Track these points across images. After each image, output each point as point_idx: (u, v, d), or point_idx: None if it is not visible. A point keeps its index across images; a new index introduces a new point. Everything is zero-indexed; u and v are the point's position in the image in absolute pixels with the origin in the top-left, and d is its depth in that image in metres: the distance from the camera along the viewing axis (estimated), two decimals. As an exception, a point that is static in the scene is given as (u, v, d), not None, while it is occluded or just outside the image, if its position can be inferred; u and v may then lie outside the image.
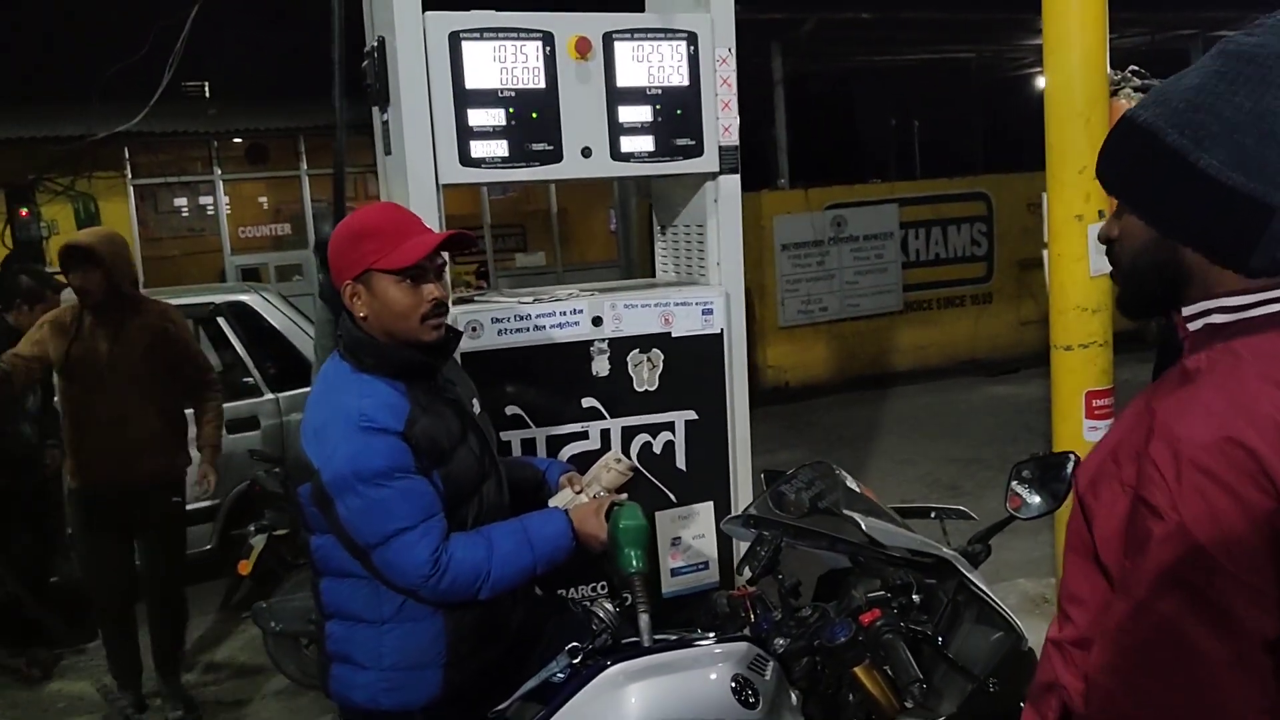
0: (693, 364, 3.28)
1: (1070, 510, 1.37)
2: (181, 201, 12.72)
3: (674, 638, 2.13)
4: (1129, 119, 1.29)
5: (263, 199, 13.42)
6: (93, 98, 10.03)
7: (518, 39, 2.98)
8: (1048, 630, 1.40)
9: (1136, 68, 3.90)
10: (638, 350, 3.22)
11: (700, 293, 3.32)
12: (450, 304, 3.04)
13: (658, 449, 3.28)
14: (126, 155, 10.76)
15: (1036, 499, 2.26)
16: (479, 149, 2.99)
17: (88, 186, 10.62)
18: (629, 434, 3.23)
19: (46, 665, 4.65)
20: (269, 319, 5.60)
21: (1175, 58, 12.09)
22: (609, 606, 2.06)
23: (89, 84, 10.53)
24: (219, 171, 11.69)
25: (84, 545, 4.12)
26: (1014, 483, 2.30)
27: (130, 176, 10.94)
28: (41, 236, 10.44)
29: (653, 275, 3.93)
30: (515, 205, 12.99)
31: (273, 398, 5.45)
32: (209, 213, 12.29)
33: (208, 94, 12.87)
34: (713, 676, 2.01)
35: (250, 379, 5.53)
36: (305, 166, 11.79)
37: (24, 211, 10.35)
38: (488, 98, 2.97)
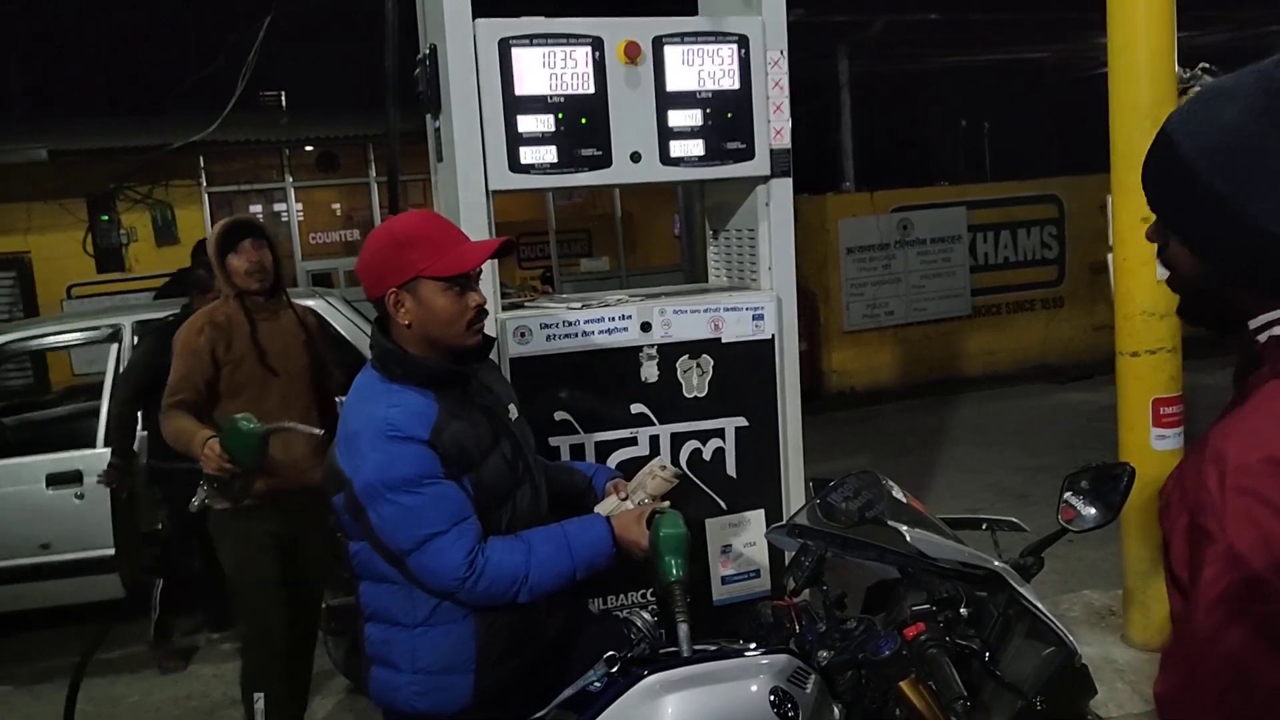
0: (743, 370, 3.25)
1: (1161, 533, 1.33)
2: (255, 208, 13.01)
3: (713, 648, 2.11)
4: (1167, 139, 1.22)
5: (335, 205, 13.68)
6: (170, 109, 10.35)
7: (567, 44, 2.99)
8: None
9: (1207, 65, 3.77)
10: (687, 356, 3.20)
11: (751, 298, 3.29)
12: (499, 305, 3.07)
13: (708, 456, 3.25)
14: (202, 163, 11.04)
15: (1091, 511, 2.19)
16: (528, 155, 2.99)
17: (165, 194, 10.92)
18: (678, 440, 3.21)
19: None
20: (334, 325, 5.69)
21: (1260, 54, 11.63)
22: (646, 616, 2.04)
23: (167, 96, 10.87)
24: (290, 179, 11.94)
25: (254, 572, 3.52)
26: (1068, 494, 2.24)
27: (205, 184, 11.22)
28: (121, 243, 10.76)
29: (708, 280, 3.91)
30: (581, 210, 13.05)
31: (338, 400, 5.52)
32: (281, 219, 12.56)
33: (283, 103, 13.17)
34: (752, 688, 1.97)
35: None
36: (374, 173, 11.98)
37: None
38: (537, 104, 2.98)
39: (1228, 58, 3.88)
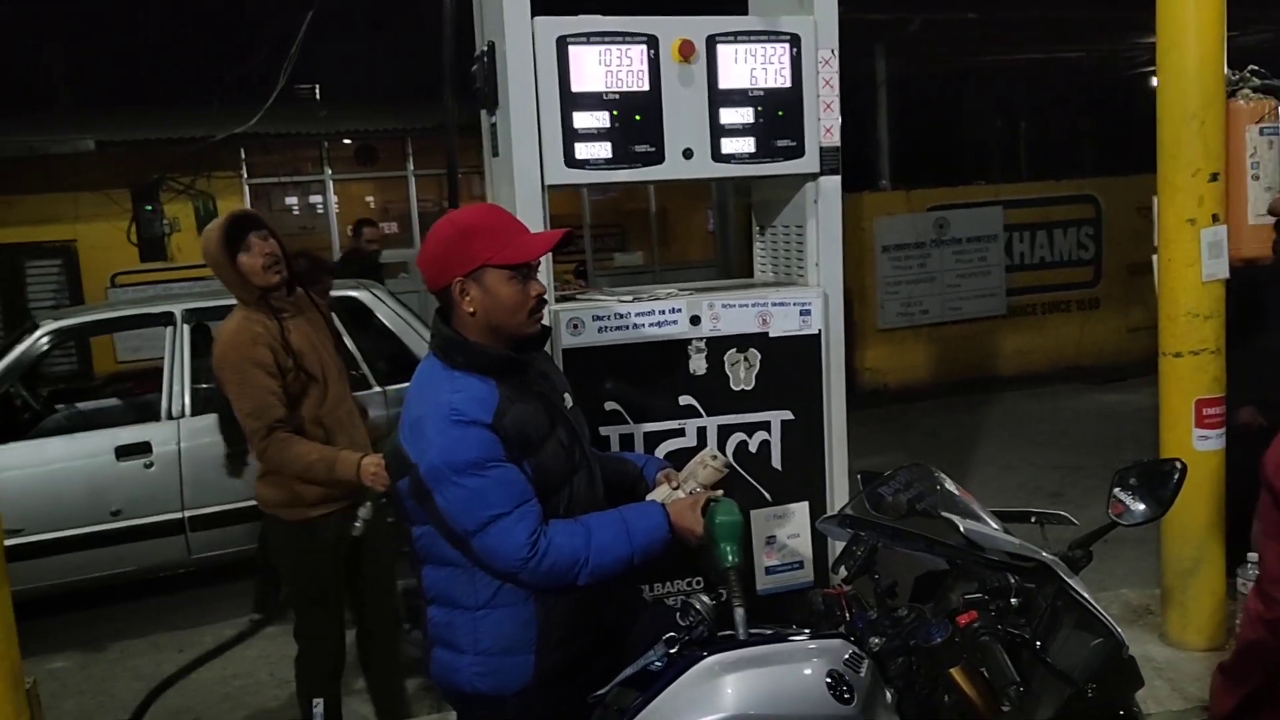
0: (790, 364, 3.31)
1: (1261, 500, 1.38)
2: (293, 200, 13.17)
3: (769, 632, 2.16)
4: None
5: (369, 198, 13.80)
6: (213, 101, 10.48)
7: (623, 42, 3.05)
8: (1249, 604, 1.44)
9: (1257, 67, 3.78)
10: (735, 350, 3.25)
11: (798, 293, 3.34)
12: (554, 298, 3.14)
13: (753, 448, 3.31)
14: (243, 155, 11.17)
15: (1141, 506, 2.23)
16: (583, 150, 3.06)
17: (207, 185, 11.06)
18: (725, 432, 3.27)
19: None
20: (379, 315, 5.79)
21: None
22: (706, 599, 2.10)
23: (209, 89, 11.01)
24: (329, 171, 12.06)
25: (316, 586, 3.42)
26: (1117, 489, 2.28)
27: (246, 176, 11.36)
28: (164, 233, 10.91)
29: (750, 275, 3.95)
30: (615, 205, 13.11)
31: (380, 390, 5.62)
32: (319, 211, 12.69)
33: (318, 96, 13.30)
34: (807, 671, 2.03)
35: (357, 372, 5.73)
36: (412, 167, 12.08)
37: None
38: (593, 100, 3.05)
39: (1272, 59, 3.89)
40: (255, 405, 3.18)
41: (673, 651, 2.04)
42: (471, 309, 2.25)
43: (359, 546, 3.35)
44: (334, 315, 3.71)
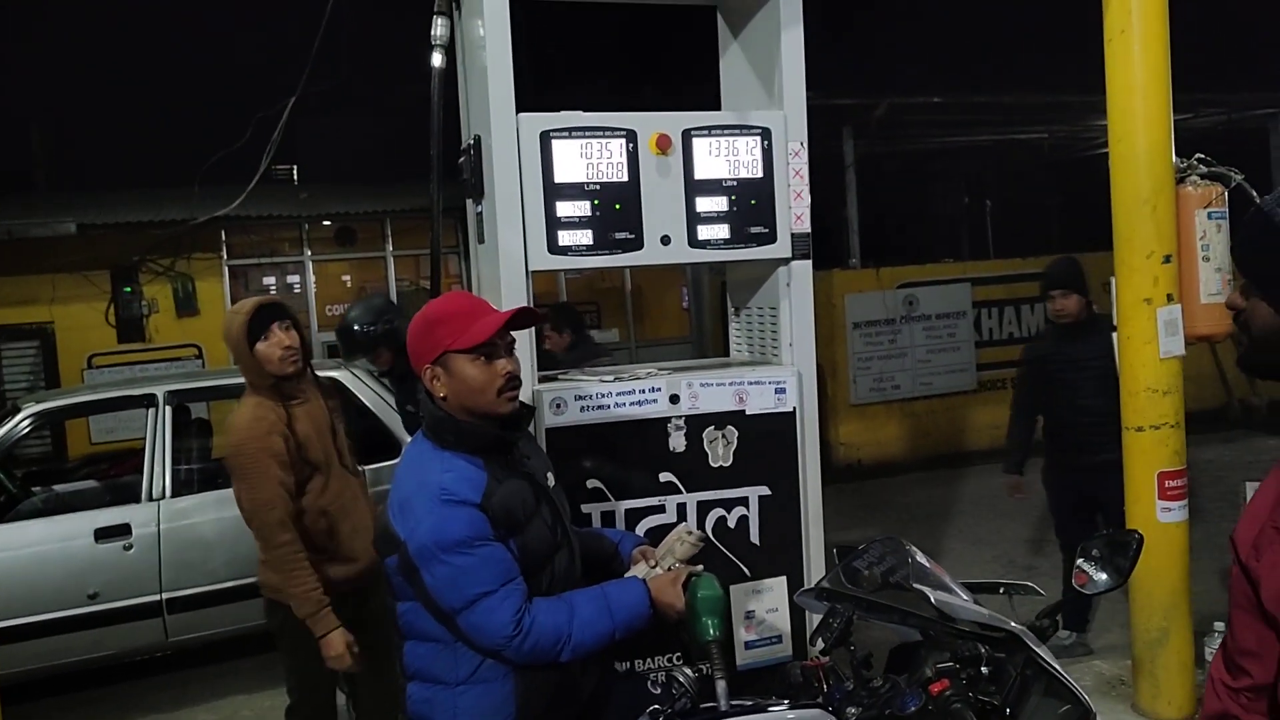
0: (766, 441, 3.40)
1: (1232, 574, 1.48)
2: (270, 280, 13.26)
3: (750, 703, 2.22)
4: (1266, 217, 1.43)
5: (346, 277, 13.92)
6: (194, 184, 10.61)
7: (603, 136, 3.20)
8: (1214, 672, 1.51)
9: (1203, 156, 3.98)
10: (713, 427, 3.35)
11: (773, 372, 3.45)
12: (535, 379, 3.24)
13: (732, 523, 3.39)
14: (223, 237, 11.28)
15: (1103, 576, 2.32)
16: (566, 238, 3.19)
17: (187, 267, 11.13)
18: (704, 508, 3.35)
19: None
20: (359, 395, 5.84)
21: (1253, 137, 12.01)
22: (688, 672, 2.17)
23: (190, 171, 11.15)
24: (309, 252, 12.18)
25: (314, 666, 3.40)
26: (1081, 560, 2.37)
27: (226, 257, 11.45)
28: (142, 314, 10.95)
29: (725, 352, 4.08)
30: (590, 283, 13.28)
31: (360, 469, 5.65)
32: (296, 291, 12.79)
33: (295, 177, 13.48)
34: (787, 741, 2.09)
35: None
36: (391, 248, 12.23)
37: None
38: (575, 190, 3.19)
39: (1220, 141, 4.10)
40: (269, 497, 3.25)
41: (657, 724, 2.10)
42: (442, 394, 2.35)
43: (360, 632, 3.37)
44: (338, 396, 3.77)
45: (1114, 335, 4.10)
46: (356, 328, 4.86)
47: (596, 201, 3.20)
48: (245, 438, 3.29)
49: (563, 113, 3.18)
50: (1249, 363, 1.52)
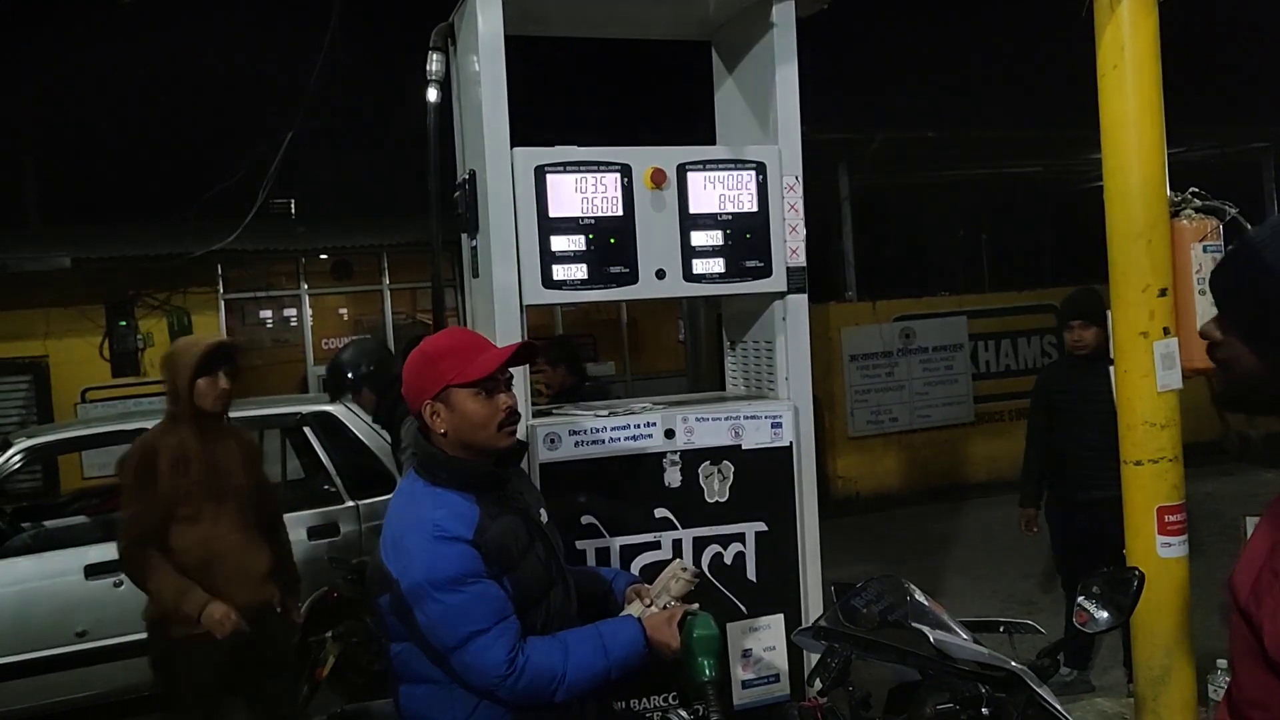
0: (763, 476, 3.37)
1: (1232, 621, 1.43)
2: (267, 314, 13.26)
3: (746, 746, 2.19)
4: (1252, 251, 1.39)
5: (343, 310, 13.93)
6: (190, 218, 10.64)
7: (598, 171, 3.19)
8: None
9: (1197, 189, 3.98)
10: (709, 462, 3.32)
11: (769, 406, 3.43)
12: (530, 412, 3.21)
13: (728, 560, 3.35)
14: (219, 271, 11.29)
15: (1104, 614, 2.29)
16: (560, 272, 3.17)
17: (182, 301, 11.13)
18: (700, 544, 3.31)
19: None
20: (353, 429, 5.82)
21: (1246, 170, 12.08)
22: (684, 714, 2.13)
23: (187, 206, 11.19)
24: (305, 286, 12.19)
25: (203, 694, 3.57)
26: (1081, 598, 2.34)
27: (222, 291, 11.45)
28: (137, 348, 10.93)
29: (721, 386, 4.05)
30: (586, 316, 13.30)
31: (353, 505, 5.62)
32: (292, 324, 12.79)
33: (293, 211, 13.52)
34: (784, 785, 2.05)
35: (331, 487, 5.73)
36: (388, 281, 12.24)
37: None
38: (569, 225, 3.17)
39: (1214, 174, 4.10)
40: (134, 515, 3.49)
41: (653, 767, 2.06)
42: (443, 429, 2.33)
43: (248, 654, 3.51)
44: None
45: (1111, 369, 4.09)
46: (345, 370, 4.84)
47: (591, 236, 3.19)
48: (136, 452, 3.56)
49: (557, 147, 3.18)
50: (1226, 400, 1.47)
